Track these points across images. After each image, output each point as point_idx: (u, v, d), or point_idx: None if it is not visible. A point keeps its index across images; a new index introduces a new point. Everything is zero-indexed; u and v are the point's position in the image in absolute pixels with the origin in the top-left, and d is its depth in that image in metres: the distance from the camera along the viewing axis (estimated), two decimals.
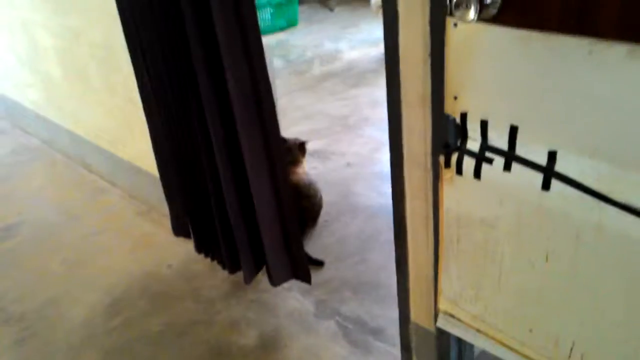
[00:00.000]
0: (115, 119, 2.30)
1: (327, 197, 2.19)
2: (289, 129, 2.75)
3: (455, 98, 1.03)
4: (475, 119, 1.01)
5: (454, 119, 1.06)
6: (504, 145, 0.99)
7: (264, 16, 4.19)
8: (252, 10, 1.44)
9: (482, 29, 0.92)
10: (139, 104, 1.83)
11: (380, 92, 3.12)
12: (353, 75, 3.36)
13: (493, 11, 0.90)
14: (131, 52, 1.73)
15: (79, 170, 2.69)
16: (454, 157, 1.07)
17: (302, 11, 4.51)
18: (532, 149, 0.95)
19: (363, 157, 2.53)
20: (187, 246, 2.01)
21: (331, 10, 4.65)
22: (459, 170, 1.07)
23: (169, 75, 1.65)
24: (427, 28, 1.01)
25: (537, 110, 0.93)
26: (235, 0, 1.40)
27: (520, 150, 0.97)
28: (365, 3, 4.75)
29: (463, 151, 1.06)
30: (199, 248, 1.93)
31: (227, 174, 1.65)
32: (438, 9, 0.98)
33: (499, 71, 0.94)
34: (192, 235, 1.94)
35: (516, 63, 0.91)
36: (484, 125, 1.01)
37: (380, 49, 3.69)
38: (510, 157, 0.99)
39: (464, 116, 1.03)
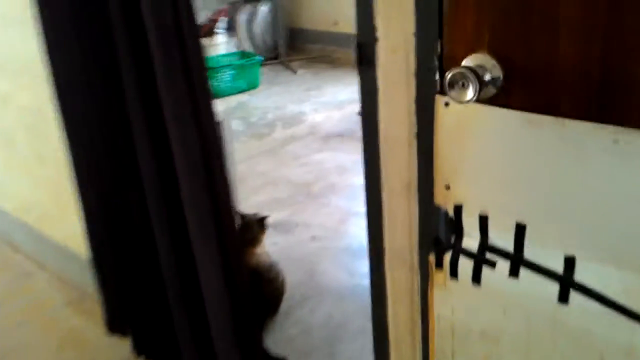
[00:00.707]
0: (45, 192, 2.06)
1: (290, 277, 1.98)
2: (248, 198, 2.56)
3: (448, 187, 0.86)
4: (473, 213, 0.85)
5: (446, 212, 0.89)
6: (509, 245, 0.82)
7: (225, 78, 4.07)
8: (203, 74, 1.27)
9: (480, 110, 0.77)
10: (70, 176, 1.61)
11: (346, 156, 2.98)
12: (317, 139, 3.22)
13: (493, 90, 0.75)
14: (63, 120, 1.53)
15: (3, 250, 2.39)
16: (447, 257, 0.90)
17: (264, 73, 4.42)
18: (544, 252, 0.79)
19: (329, 230, 2.35)
20: (123, 345, 1.73)
21: (294, 72, 4.57)
22: (454, 273, 0.90)
23: (105, 145, 1.44)
24: (413, 107, 0.86)
25: (549, 207, 0.77)
26: (184, 63, 1.23)
27: (529, 253, 0.80)
28: (329, 66, 4.70)
29: (458, 250, 0.89)
30: (138, 348, 1.66)
31: (170, 259, 1.44)
32: (426, 86, 0.83)
33: (501, 159, 0.79)
34: (129, 333, 1.68)
35: (522, 150, 0.76)
36: (483, 221, 0.84)
37: (345, 112, 3.59)
38: (518, 260, 0.82)
39: (458, 209, 0.86)
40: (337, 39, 4.92)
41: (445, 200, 0.88)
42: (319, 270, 2.10)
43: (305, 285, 2.01)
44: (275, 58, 4.90)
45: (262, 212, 1.95)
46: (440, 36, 0.78)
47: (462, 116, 0.80)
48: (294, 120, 3.55)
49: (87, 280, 1.84)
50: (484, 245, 0.85)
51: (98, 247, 1.67)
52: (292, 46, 5.18)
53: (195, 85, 1.26)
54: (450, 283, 0.90)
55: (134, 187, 1.44)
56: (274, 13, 4.91)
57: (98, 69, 1.40)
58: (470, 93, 0.73)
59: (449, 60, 0.78)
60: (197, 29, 1.26)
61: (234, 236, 1.44)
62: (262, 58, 4.39)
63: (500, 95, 0.75)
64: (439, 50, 0.79)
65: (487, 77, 0.74)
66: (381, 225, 0.99)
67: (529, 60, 0.72)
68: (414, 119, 0.87)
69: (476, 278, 0.87)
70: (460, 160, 0.83)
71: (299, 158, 3.00)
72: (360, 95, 0.93)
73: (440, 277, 0.91)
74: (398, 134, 0.90)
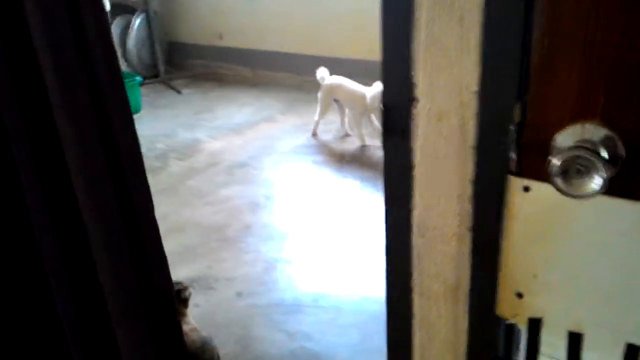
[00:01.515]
0: None
1: (221, 349, 1.66)
2: None
3: (520, 296, 0.64)
4: (558, 328, 0.63)
5: (514, 325, 0.66)
6: None
7: None
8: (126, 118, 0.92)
9: (585, 199, 0.55)
10: None
11: (256, 190, 2.69)
12: (220, 171, 2.89)
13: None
14: None
15: None
16: None
17: (145, 94, 3.96)
18: None
19: (255, 282, 2.04)
20: None
21: (178, 92, 4.17)
22: None
23: None
24: (469, 191, 0.62)
25: None
26: (96, 102, 0.87)
27: None
28: (216, 84, 4.36)
29: None
30: None
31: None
32: (492, 165, 0.59)
33: (613, 263, 0.57)
34: None
35: None
36: (575, 339, 0.62)
37: (246, 137, 3.28)
38: None
39: (535, 323, 0.64)
40: (222, 53, 4.59)
41: (514, 311, 0.65)
42: (253, 335, 1.79)
43: (241, 359, 1.70)
44: (155, 77, 4.45)
45: (178, 274, 1.60)
46: (522, 97, 0.55)
47: (553, 206, 0.57)
48: (189, 149, 3.17)
49: None
50: None
51: None
52: (172, 63, 4.76)
53: (115, 135, 0.91)
54: None
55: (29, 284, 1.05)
56: (150, 26, 4.46)
57: None
58: (594, 183, 0.50)
59: (535, 130, 0.56)
60: (112, 48, 0.90)
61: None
62: (142, 78, 3.94)
63: (618, 181, 0.53)
64: (518, 116, 0.56)
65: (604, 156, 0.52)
66: (410, 336, 0.74)
67: None
68: (468, 207, 0.63)
69: None
70: (544, 263, 0.61)
71: (204, 196, 2.65)
72: (384, 173, 0.67)
73: None
74: (443, 226, 0.66)
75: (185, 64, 4.77)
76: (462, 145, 0.60)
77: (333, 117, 3.25)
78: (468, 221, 0.64)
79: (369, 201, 2.55)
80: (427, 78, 0.59)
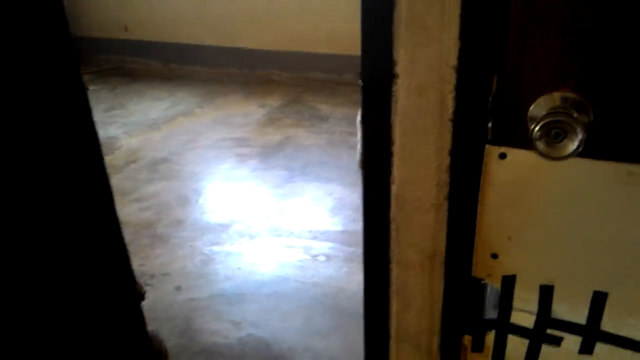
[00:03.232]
0: None
1: (166, 343, 1.62)
2: None
3: (495, 256, 0.69)
4: (531, 283, 0.69)
5: (488, 284, 0.71)
6: (579, 318, 0.68)
7: None
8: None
9: (556, 162, 0.60)
10: None
11: (185, 184, 2.62)
12: (142, 168, 2.78)
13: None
14: None
15: None
16: (490, 337, 0.73)
17: None
18: (628, 321, 0.66)
19: (193, 275, 2.01)
20: None
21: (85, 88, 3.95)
22: (499, 356, 0.73)
23: None
24: (446, 162, 0.66)
25: None
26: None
27: (608, 325, 0.67)
28: (126, 79, 4.17)
29: (506, 328, 0.72)
30: None
31: None
32: (469, 136, 0.63)
33: (583, 219, 0.64)
34: None
35: (615, 207, 0.62)
36: (546, 291, 0.68)
37: (165, 133, 3.18)
38: (593, 334, 0.68)
39: (509, 280, 0.69)
40: (129, 47, 4.39)
41: (489, 272, 0.70)
42: (198, 327, 1.76)
43: (188, 351, 1.66)
44: None
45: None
46: (499, 70, 0.60)
47: (527, 170, 0.62)
48: (105, 147, 3.01)
49: None
50: (544, 320, 0.69)
51: None
52: None
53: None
54: None
55: None
56: None
57: None
58: (572, 145, 0.56)
59: (512, 100, 0.60)
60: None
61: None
62: None
63: (588, 144, 0.59)
64: (494, 88, 0.60)
65: None
66: (387, 305, 0.78)
67: (635, 97, 0.57)
68: (445, 176, 0.67)
69: (533, 359, 0.71)
70: (517, 224, 0.66)
71: (128, 193, 2.54)
72: (363, 150, 0.69)
73: None
74: (420, 197, 0.69)
75: (89, 58, 4.51)
76: (441, 118, 0.64)
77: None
78: (445, 191, 0.68)
79: (298, 188, 2.57)
80: (407, 55, 0.62)
